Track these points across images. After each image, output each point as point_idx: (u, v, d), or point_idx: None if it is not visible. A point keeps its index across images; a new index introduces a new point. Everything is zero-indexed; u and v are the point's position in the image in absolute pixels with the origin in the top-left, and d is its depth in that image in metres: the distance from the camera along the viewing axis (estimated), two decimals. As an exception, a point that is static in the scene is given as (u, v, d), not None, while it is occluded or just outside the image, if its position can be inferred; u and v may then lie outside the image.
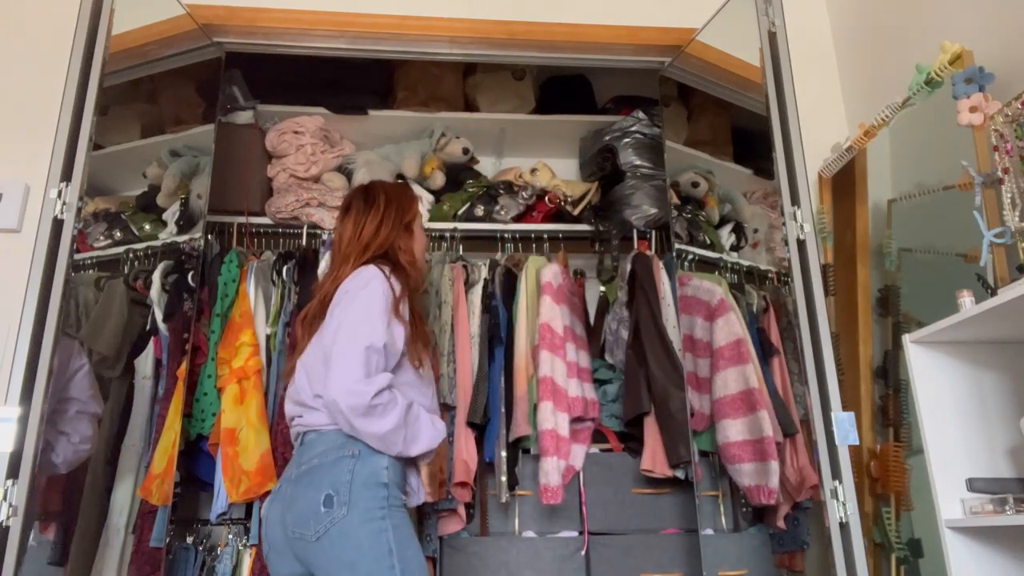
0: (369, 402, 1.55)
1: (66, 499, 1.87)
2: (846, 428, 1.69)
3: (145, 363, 2.04)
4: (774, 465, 1.98)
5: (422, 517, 2.18)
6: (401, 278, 1.76)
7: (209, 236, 2.43)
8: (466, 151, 2.80)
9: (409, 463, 1.68)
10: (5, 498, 1.52)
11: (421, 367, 1.75)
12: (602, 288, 2.75)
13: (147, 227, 2.17)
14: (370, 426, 1.57)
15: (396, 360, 1.68)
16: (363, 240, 1.81)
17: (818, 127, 2.30)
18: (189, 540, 2.22)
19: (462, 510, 2.17)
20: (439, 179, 2.77)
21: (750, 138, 2.13)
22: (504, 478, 2.20)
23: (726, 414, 2.10)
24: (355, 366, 1.57)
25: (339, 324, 1.64)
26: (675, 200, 2.47)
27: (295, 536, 1.56)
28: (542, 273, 2.44)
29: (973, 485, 1.59)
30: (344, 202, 1.93)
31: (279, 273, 2.39)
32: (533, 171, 2.78)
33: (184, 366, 2.03)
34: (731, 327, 2.16)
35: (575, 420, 2.29)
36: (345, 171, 2.73)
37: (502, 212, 2.70)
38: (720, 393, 2.13)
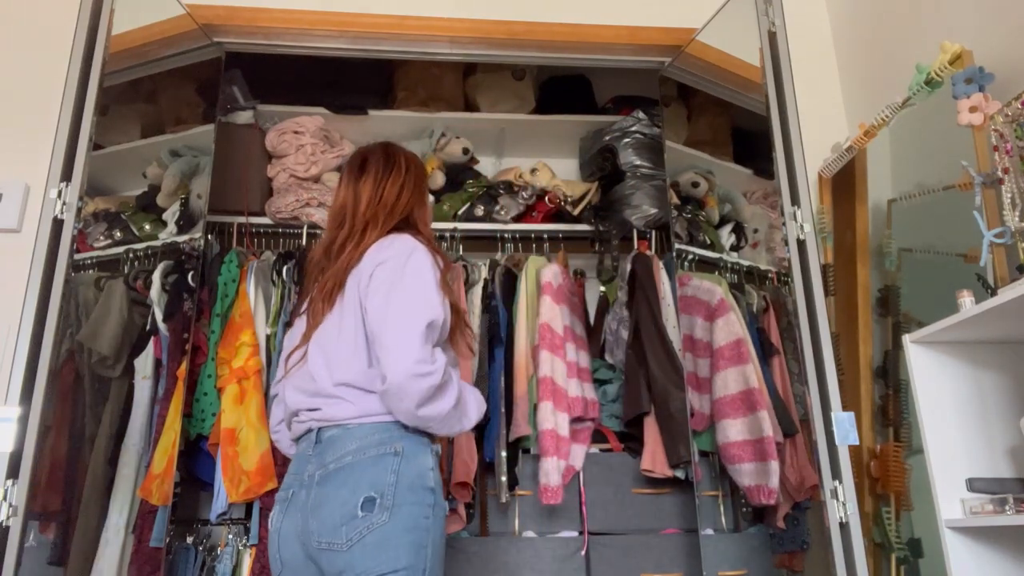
0: (439, 381, 1.39)
1: (66, 499, 1.86)
2: (846, 428, 1.69)
3: (145, 363, 2.04)
4: (774, 465, 1.98)
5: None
6: (442, 257, 1.59)
7: (209, 236, 2.43)
8: (466, 151, 2.80)
9: None
10: (5, 498, 1.52)
11: (464, 353, 1.60)
12: (602, 288, 2.76)
13: (147, 227, 2.17)
14: (434, 408, 1.40)
15: (444, 338, 1.53)
16: (386, 203, 1.62)
17: (818, 127, 2.30)
18: (189, 540, 2.22)
19: (462, 510, 2.17)
20: (439, 179, 2.77)
21: (750, 138, 2.13)
22: (504, 478, 2.20)
23: (726, 414, 2.10)
24: (416, 345, 1.38)
25: (387, 299, 1.45)
26: (675, 200, 2.47)
27: (321, 547, 1.37)
28: (542, 273, 2.44)
29: (973, 485, 1.59)
30: (356, 159, 1.72)
31: (279, 273, 2.39)
32: (533, 171, 2.78)
33: (184, 366, 2.03)
34: (731, 327, 2.16)
35: (575, 420, 2.29)
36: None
37: (502, 212, 2.70)
38: (720, 393, 2.13)
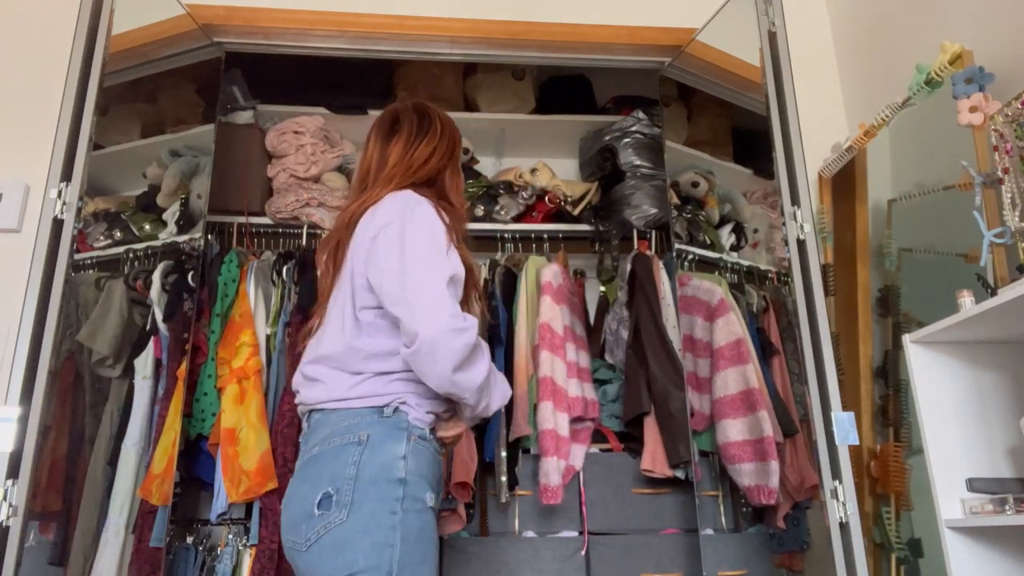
0: (474, 339, 1.27)
1: (66, 499, 1.86)
2: (846, 428, 1.69)
3: (145, 363, 2.04)
4: (774, 465, 1.98)
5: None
6: (448, 212, 1.47)
7: (209, 236, 2.43)
8: (466, 151, 2.80)
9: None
10: (5, 498, 1.52)
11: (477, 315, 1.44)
12: (602, 288, 2.76)
13: (147, 227, 2.17)
14: (470, 374, 1.28)
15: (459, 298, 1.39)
16: (413, 163, 1.51)
17: (818, 127, 2.30)
18: (189, 540, 2.22)
19: (462, 510, 2.17)
20: (439, 179, 2.76)
21: (750, 138, 2.13)
22: (504, 478, 2.20)
23: (726, 414, 2.10)
24: (447, 298, 1.28)
25: (401, 256, 1.33)
26: (675, 200, 2.47)
27: (289, 545, 1.29)
28: (542, 273, 2.44)
29: (973, 485, 1.59)
30: (387, 118, 1.60)
31: (279, 273, 2.39)
32: (533, 171, 2.78)
33: (184, 366, 2.03)
34: (731, 327, 2.16)
35: (575, 420, 2.29)
36: (345, 171, 2.73)
37: (502, 212, 2.70)
38: (720, 393, 2.13)
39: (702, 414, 2.20)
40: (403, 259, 1.33)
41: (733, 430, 2.08)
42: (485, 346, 1.36)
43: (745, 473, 2.05)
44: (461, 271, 1.39)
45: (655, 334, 2.33)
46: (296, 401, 1.45)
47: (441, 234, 1.39)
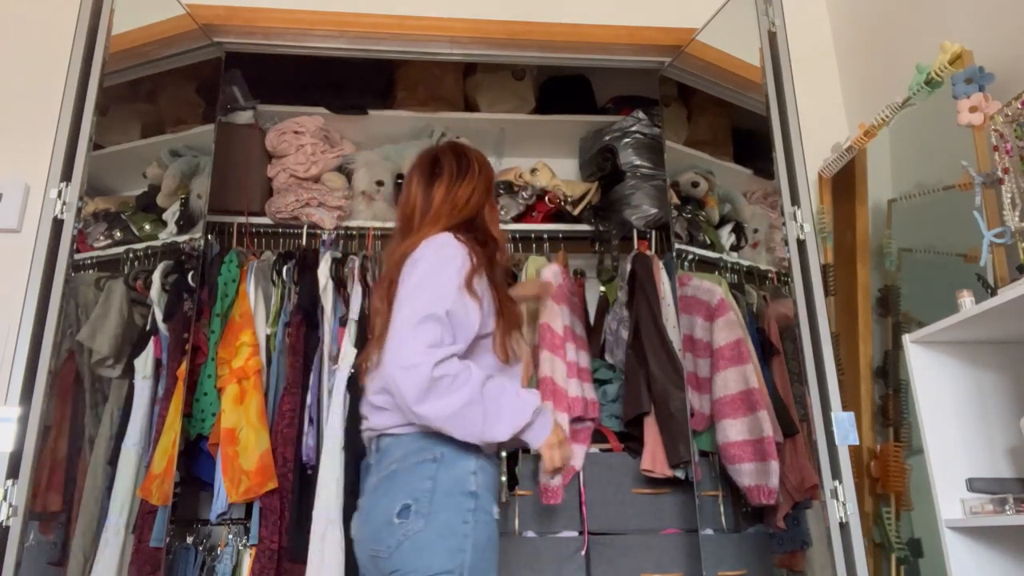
0: (430, 374, 1.33)
1: (66, 499, 1.86)
2: (846, 428, 1.69)
3: (145, 363, 2.04)
4: (774, 465, 1.98)
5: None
6: (481, 249, 1.56)
7: (209, 236, 2.43)
8: (466, 151, 2.80)
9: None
10: (5, 498, 1.52)
11: (508, 360, 1.53)
12: (602, 288, 2.76)
13: (147, 227, 2.17)
14: (435, 406, 1.35)
15: (469, 338, 1.46)
16: (457, 203, 1.61)
17: (818, 127, 2.30)
18: (189, 540, 2.22)
19: (462, 510, 2.17)
20: (439, 179, 2.76)
21: (750, 138, 2.13)
22: (504, 478, 2.20)
23: (726, 414, 2.10)
24: (408, 336, 1.36)
25: (401, 294, 1.45)
26: (675, 200, 2.47)
27: (372, 554, 1.41)
28: (542, 273, 2.44)
29: (973, 485, 1.59)
30: (427, 161, 1.70)
31: (279, 273, 2.39)
32: (533, 171, 2.78)
33: (184, 366, 2.03)
34: (731, 327, 2.16)
35: (575, 420, 2.29)
36: (345, 171, 2.73)
37: (502, 212, 2.70)
38: (720, 393, 2.13)
39: (702, 414, 2.19)
40: (400, 297, 1.45)
41: (733, 430, 2.08)
42: (474, 378, 1.39)
43: (745, 473, 2.05)
44: (459, 311, 1.43)
45: (655, 334, 2.33)
46: (364, 427, 1.57)
47: (452, 273, 1.46)
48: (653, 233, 2.67)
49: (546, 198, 2.72)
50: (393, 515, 1.37)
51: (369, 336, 1.64)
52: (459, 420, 1.38)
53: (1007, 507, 1.49)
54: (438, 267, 1.47)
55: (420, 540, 1.34)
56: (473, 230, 1.60)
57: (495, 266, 1.62)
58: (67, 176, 1.73)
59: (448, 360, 1.37)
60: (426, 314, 1.39)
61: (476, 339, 1.50)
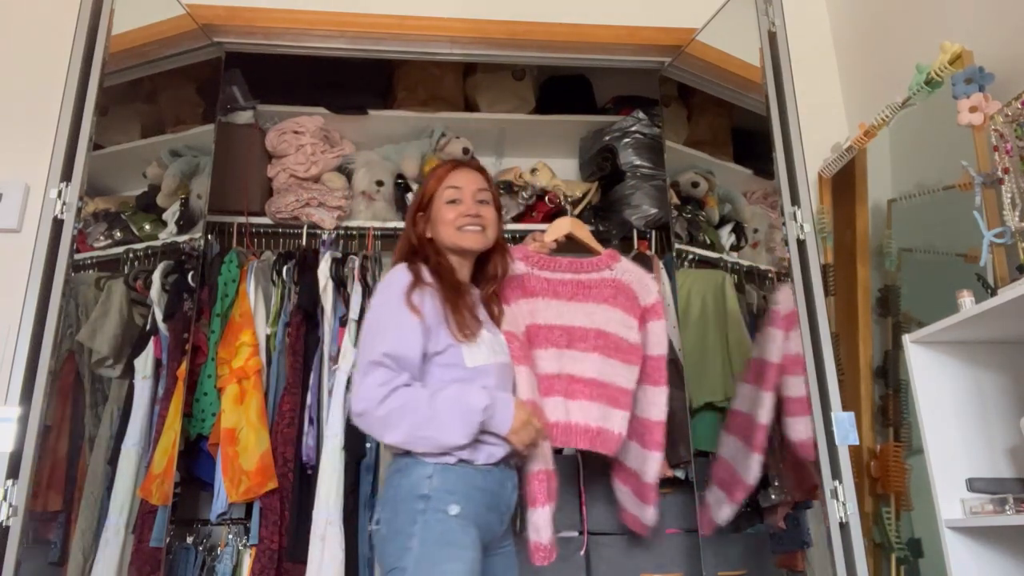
0: (376, 413, 1.47)
1: (66, 499, 1.86)
2: (846, 428, 1.69)
3: (145, 363, 2.04)
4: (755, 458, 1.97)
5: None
6: (433, 264, 1.65)
7: (209, 236, 2.43)
8: (466, 151, 2.80)
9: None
10: (5, 498, 1.52)
11: (467, 337, 1.57)
12: (602, 288, 2.75)
13: (147, 227, 2.17)
14: (393, 437, 1.50)
15: (416, 364, 1.53)
16: (404, 236, 1.76)
17: (818, 127, 2.30)
18: (189, 540, 2.22)
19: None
20: (439, 179, 2.76)
21: (750, 138, 2.13)
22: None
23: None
24: (359, 385, 1.51)
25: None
26: (675, 200, 2.47)
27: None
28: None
29: (973, 485, 1.59)
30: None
31: (279, 273, 2.39)
32: (533, 171, 2.78)
33: (184, 366, 2.03)
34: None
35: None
36: (345, 171, 2.73)
37: (502, 212, 2.69)
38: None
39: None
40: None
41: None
42: (415, 396, 1.49)
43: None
44: (405, 342, 1.52)
45: (655, 334, 2.32)
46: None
47: (389, 310, 1.56)
48: (653, 233, 2.66)
49: (546, 198, 2.72)
50: (374, 522, 1.57)
51: None
52: (417, 441, 1.50)
53: (1007, 507, 1.49)
54: (377, 309, 1.61)
55: (380, 542, 1.53)
56: (422, 249, 1.70)
57: (453, 272, 1.69)
58: (67, 176, 1.73)
59: (392, 394, 1.47)
60: (369, 360, 1.50)
61: (432, 356, 1.56)
